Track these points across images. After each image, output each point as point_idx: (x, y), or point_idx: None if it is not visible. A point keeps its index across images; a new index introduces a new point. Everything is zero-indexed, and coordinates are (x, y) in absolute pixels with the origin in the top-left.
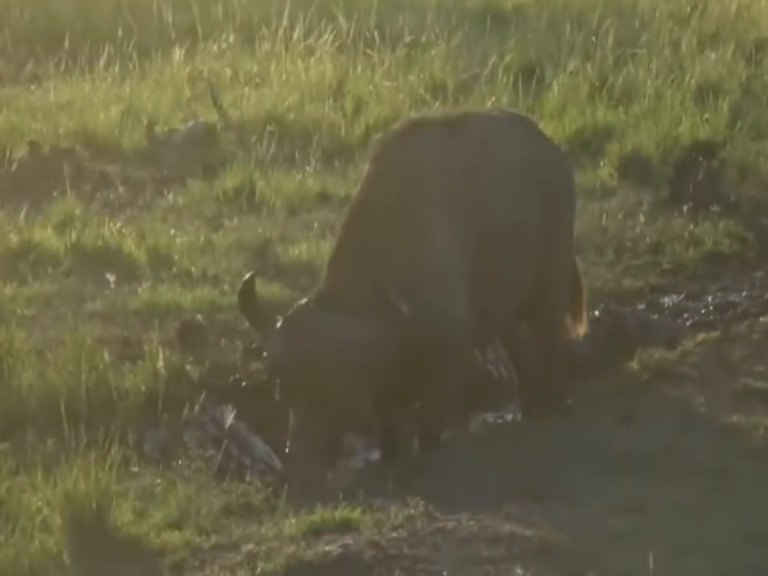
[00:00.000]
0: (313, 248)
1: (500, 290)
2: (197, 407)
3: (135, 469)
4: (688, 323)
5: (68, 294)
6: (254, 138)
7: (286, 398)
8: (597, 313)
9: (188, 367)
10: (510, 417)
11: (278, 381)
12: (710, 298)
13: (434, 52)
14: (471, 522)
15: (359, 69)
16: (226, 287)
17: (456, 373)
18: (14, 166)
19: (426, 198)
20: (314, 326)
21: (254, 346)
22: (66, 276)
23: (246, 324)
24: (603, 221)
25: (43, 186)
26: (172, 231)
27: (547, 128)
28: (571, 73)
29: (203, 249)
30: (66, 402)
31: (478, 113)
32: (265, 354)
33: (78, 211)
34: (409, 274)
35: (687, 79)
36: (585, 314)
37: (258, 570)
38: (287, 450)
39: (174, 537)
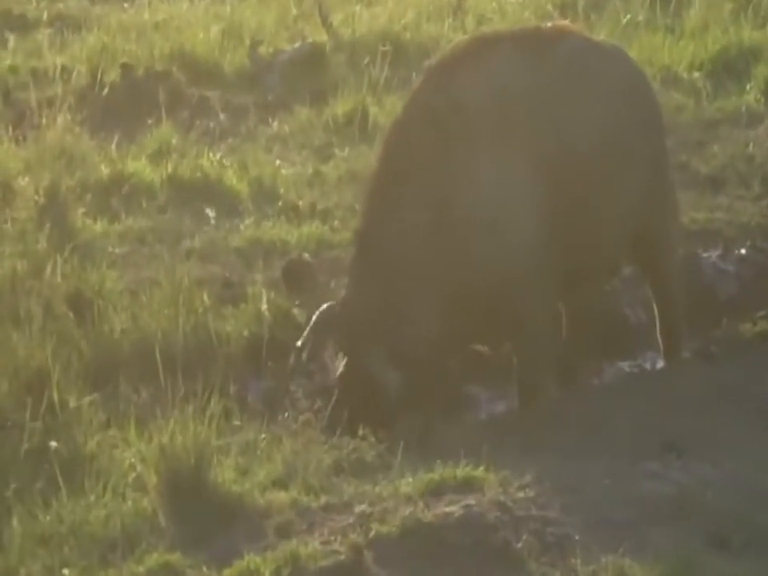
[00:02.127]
0: None
1: (591, 235)
2: (304, 354)
3: (237, 422)
4: None
5: (164, 231)
6: (366, 60)
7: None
8: (743, 251)
9: (295, 310)
10: (647, 365)
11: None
12: None
13: None
14: (605, 481)
15: None
16: (336, 223)
17: (535, 332)
18: (105, 91)
19: (480, 133)
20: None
21: None
22: (161, 211)
23: None
24: (749, 149)
25: (137, 112)
26: (277, 162)
27: (687, 48)
28: None
29: (311, 181)
30: (161, 349)
31: (566, 31)
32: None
33: (174, 140)
34: (467, 221)
35: None
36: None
37: (372, 532)
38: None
39: (279, 496)
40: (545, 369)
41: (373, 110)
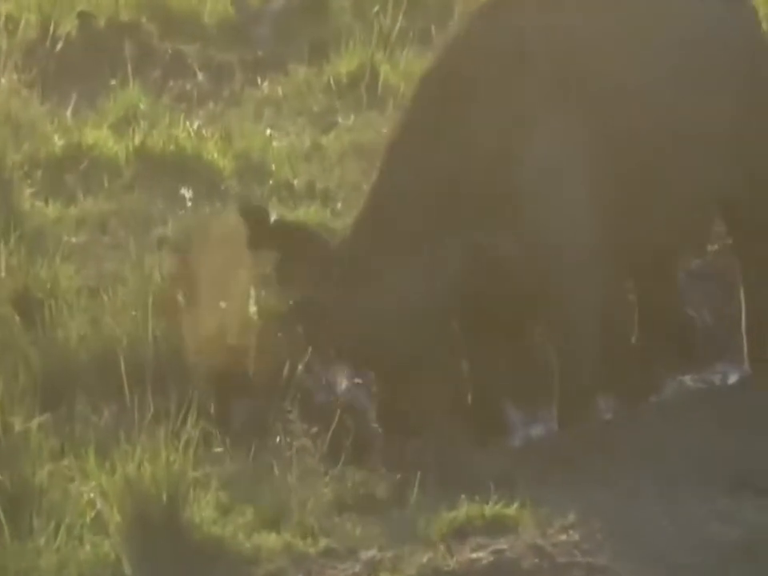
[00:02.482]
0: None
1: (666, 203)
2: (300, 366)
3: (219, 449)
4: None
5: (130, 216)
6: (376, 8)
7: None
8: None
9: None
10: (717, 379)
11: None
12: None
13: None
14: (664, 521)
15: None
16: (339, 205)
17: (588, 328)
18: (59, 46)
19: (538, 84)
20: None
21: None
22: (127, 191)
23: None
24: None
25: (97, 72)
26: (268, 132)
27: None
28: None
29: (309, 155)
30: (127, 360)
31: None
32: None
33: (143, 105)
34: (496, 188)
35: None
36: None
37: None
38: None
39: (269, 539)
40: (595, 378)
41: (384, 68)
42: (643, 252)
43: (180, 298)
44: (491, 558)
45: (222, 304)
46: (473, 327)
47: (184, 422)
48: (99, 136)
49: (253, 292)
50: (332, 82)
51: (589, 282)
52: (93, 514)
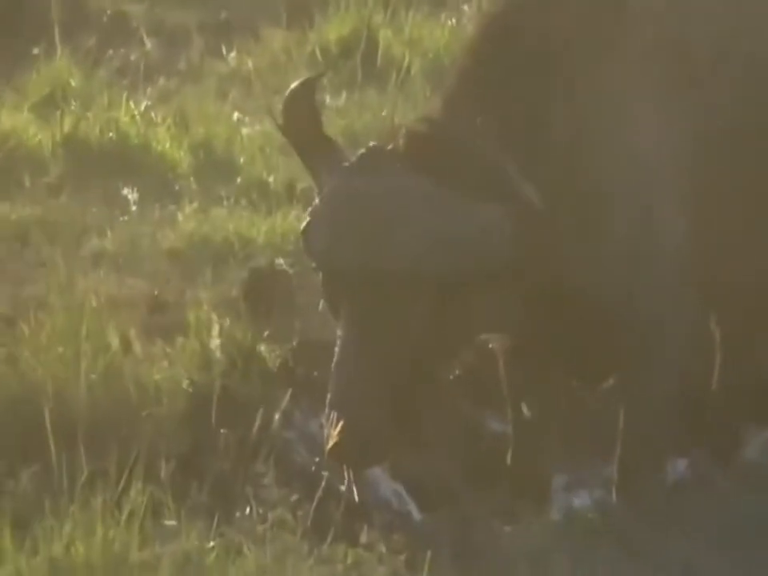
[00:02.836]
0: None
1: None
2: (276, 414)
3: (172, 521)
4: None
5: (57, 223)
6: None
7: (331, 305)
8: None
9: (261, 347)
10: None
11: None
12: None
13: None
14: None
15: None
16: None
17: (663, 364)
18: None
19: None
20: (381, 186)
21: None
22: (53, 192)
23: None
24: None
25: (16, 37)
26: (235, 116)
27: None
28: None
29: (288, 146)
30: (53, 408)
31: None
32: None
33: (74, 81)
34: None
35: None
36: None
37: None
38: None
39: None
40: (667, 433)
41: (384, 34)
42: (739, 272)
43: (122, 330)
44: None
45: (178, 337)
46: (519, 365)
47: (127, 487)
48: (17, 121)
49: (216, 321)
50: (317, 51)
51: (668, 304)
52: None
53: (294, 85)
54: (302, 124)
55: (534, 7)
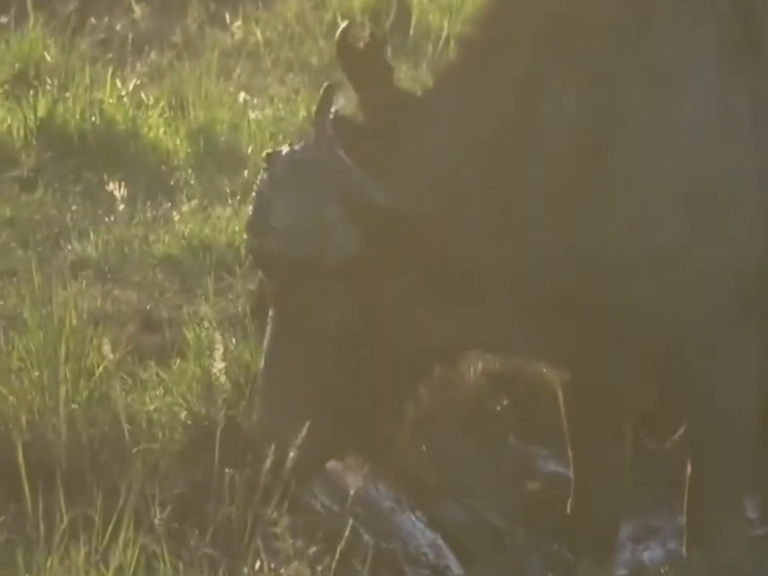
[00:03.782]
0: None
1: None
2: (291, 451)
3: None
4: None
5: (30, 223)
6: None
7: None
8: None
9: None
10: None
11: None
12: None
13: None
14: None
15: None
16: None
17: (738, 411)
18: None
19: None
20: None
21: None
22: (26, 187)
23: None
24: None
25: None
26: (241, 96)
27: None
28: None
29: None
30: (27, 444)
31: None
32: None
33: (50, 55)
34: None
35: None
36: None
37: None
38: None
39: None
40: (743, 473)
41: None
42: None
43: (108, 350)
44: None
45: (174, 359)
46: (579, 401)
47: (114, 537)
48: None
49: (219, 341)
50: (339, 19)
51: (739, 340)
52: None
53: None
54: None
55: None
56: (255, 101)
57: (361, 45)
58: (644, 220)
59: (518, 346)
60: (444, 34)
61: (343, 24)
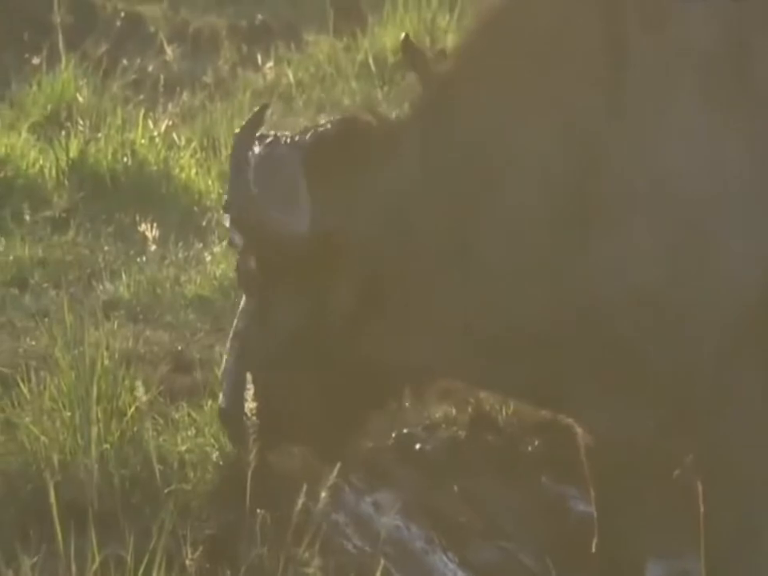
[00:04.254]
0: None
1: None
2: (323, 492)
3: None
4: None
5: (62, 264)
6: None
7: None
8: None
9: None
10: None
11: None
12: None
13: None
14: None
15: None
16: None
17: (753, 450)
18: None
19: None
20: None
21: None
22: (58, 227)
23: None
24: None
25: (12, 43)
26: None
27: None
28: None
29: None
30: (59, 485)
31: None
32: None
33: (82, 96)
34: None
35: None
36: None
37: None
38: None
39: None
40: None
41: (450, 39)
42: None
43: (140, 390)
44: None
45: (206, 400)
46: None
47: None
48: (14, 144)
49: (250, 381)
50: (371, 60)
51: (748, 373)
52: None
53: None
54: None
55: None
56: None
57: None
58: (625, 262)
59: (492, 383)
60: None
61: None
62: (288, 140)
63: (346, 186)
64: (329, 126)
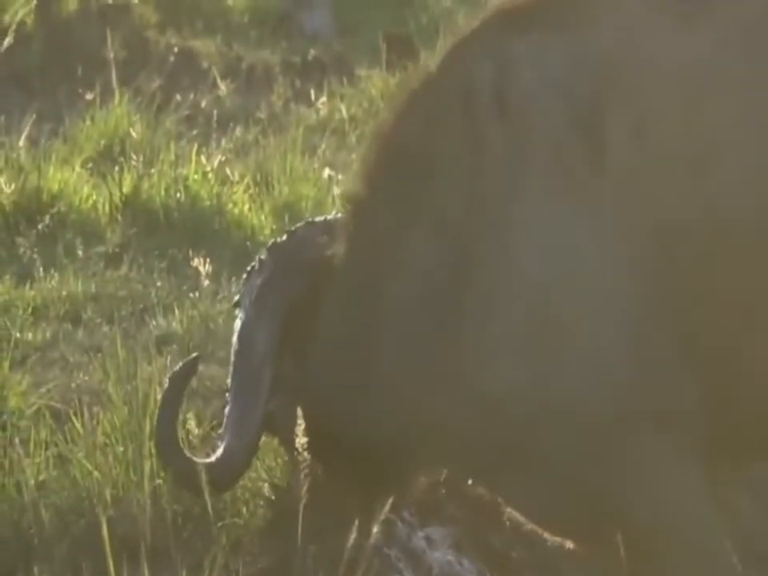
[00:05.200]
0: None
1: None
2: (375, 526)
3: None
4: None
5: (115, 301)
6: None
7: None
8: None
9: None
10: None
11: None
12: None
13: None
14: None
15: None
16: None
17: (669, 538)
18: (6, 41)
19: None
20: None
21: None
22: (111, 263)
23: None
24: None
25: (66, 78)
26: (326, 173)
27: None
28: None
29: None
30: (112, 520)
31: None
32: None
33: (135, 132)
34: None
35: None
36: None
37: None
38: None
39: None
40: None
41: None
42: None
43: (193, 425)
44: None
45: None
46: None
47: None
48: (68, 179)
49: (301, 415)
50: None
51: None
52: None
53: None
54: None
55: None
56: (340, 177)
57: None
58: (494, 356)
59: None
60: None
61: None
62: None
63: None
64: None
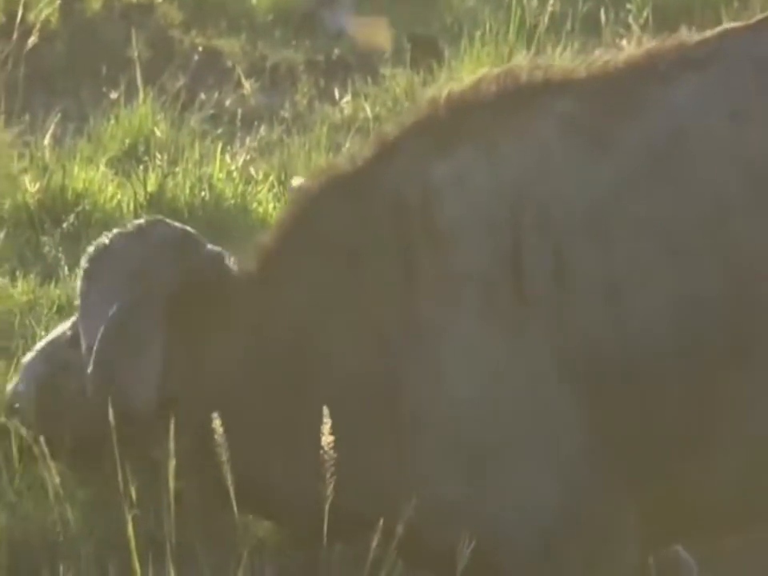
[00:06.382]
0: None
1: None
2: (399, 526)
3: None
4: None
5: None
6: None
7: None
8: None
9: None
10: None
11: None
12: None
13: None
14: None
15: None
16: None
17: None
18: (30, 41)
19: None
20: None
21: None
22: None
23: None
24: None
25: (90, 78)
26: None
27: None
28: None
29: None
30: (137, 519)
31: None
32: None
33: (160, 131)
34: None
35: None
36: None
37: None
38: None
39: None
40: None
41: None
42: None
43: (218, 423)
44: None
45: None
46: None
47: None
48: (93, 178)
49: (326, 414)
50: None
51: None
52: None
53: None
54: None
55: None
56: None
57: None
58: (427, 474)
59: None
60: None
61: None
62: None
63: (195, 349)
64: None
